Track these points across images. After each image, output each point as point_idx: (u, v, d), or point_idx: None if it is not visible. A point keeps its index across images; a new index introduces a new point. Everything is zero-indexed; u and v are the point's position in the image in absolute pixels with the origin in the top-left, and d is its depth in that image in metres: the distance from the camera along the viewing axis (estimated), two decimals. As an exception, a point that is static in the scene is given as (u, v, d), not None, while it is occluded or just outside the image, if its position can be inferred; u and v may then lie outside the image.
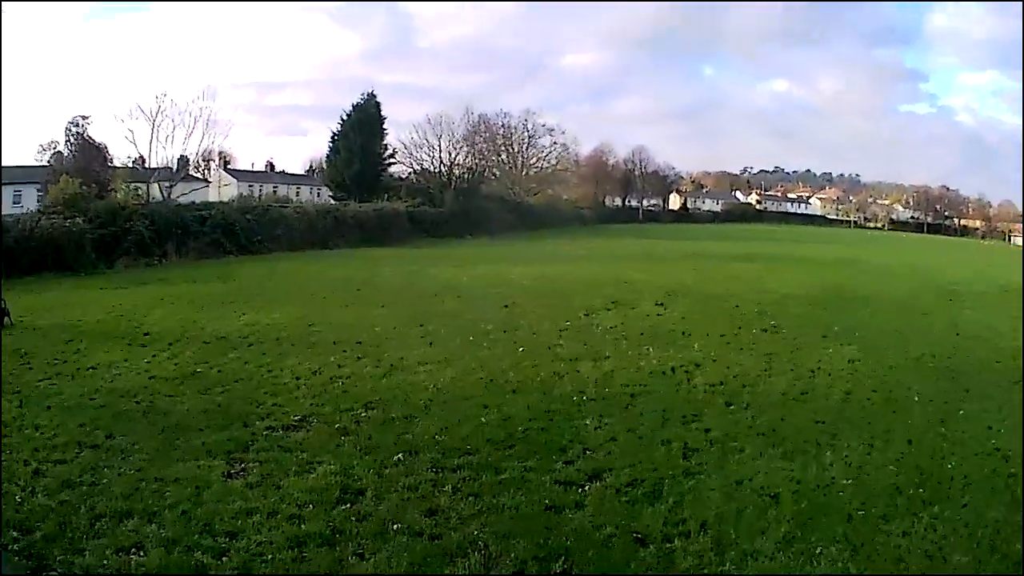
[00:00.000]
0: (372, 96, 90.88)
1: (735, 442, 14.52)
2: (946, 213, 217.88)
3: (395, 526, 10.13)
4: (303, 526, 9.99)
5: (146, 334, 22.16)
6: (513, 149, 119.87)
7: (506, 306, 29.17)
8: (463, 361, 19.93)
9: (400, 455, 12.75)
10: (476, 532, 10.09)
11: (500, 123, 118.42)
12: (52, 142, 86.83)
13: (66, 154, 75.16)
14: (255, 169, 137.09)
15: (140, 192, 60.36)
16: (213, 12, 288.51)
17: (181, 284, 35.19)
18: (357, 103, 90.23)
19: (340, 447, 13.05)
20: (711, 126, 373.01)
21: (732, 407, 16.94)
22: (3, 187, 64.93)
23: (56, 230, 42.32)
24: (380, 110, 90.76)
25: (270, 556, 9.19)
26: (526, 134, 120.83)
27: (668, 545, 10.05)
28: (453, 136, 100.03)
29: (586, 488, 11.82)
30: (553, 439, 13.97)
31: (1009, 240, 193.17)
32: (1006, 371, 22.36)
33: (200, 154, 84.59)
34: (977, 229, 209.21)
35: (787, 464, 13.47)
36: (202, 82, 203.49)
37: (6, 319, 23.46)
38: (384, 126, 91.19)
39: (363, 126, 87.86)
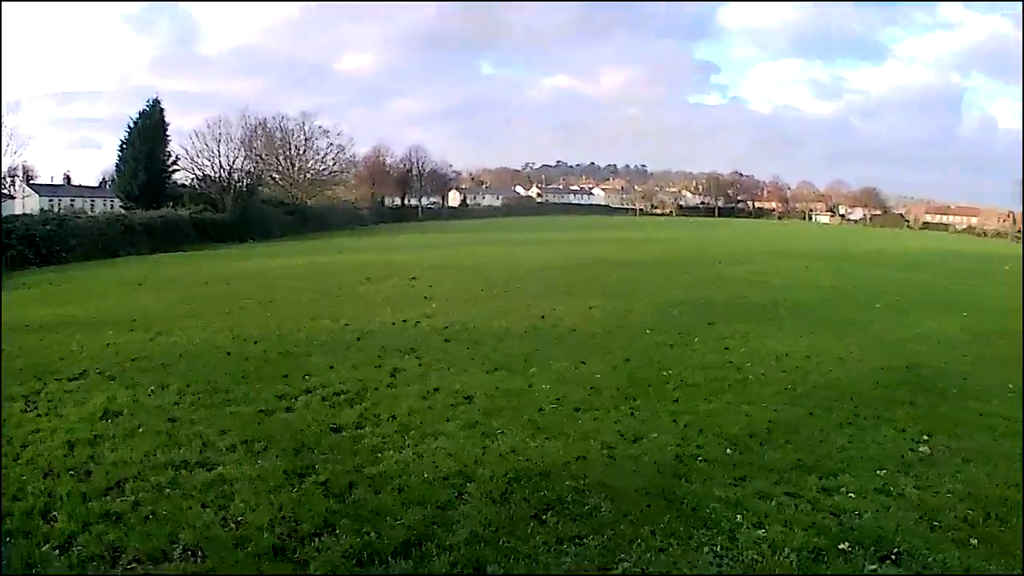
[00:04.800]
0: (156, 103, 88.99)
1: (444, 364, 16.57)
2: (739, 197, 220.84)
3: (140, 429, 11.93)
4: (76, 436, 11.58)
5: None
6: (291, 152, 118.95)
7: (272, 286, 30.68)
8: (217, 326, 21.62)
9: (153, 387, 14.47)
10: (201, 429, 11.91)
11: (278, 126, 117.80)
12: None
13: None
14: (54, 183, 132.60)
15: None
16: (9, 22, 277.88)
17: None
18: (143, 110, 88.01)
19: (108, 387, 14.57)
20: (491, 123, 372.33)
21: (450, 342, 19.10)
22: None
23: None
24: (163, 117, 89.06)
25: (48, 459, 10.65)
26: (303, 137, 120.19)
27: (359, 431, 11.96)
28: (231, 141, 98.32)
29: (298, 399, 13.75)
30: (281, 370, 15.93)
31: (810, 218, 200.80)
32: (763, 303, 26.33)
33: (6, 169, 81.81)
34: (773, 210, 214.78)
35: (490, 377, 15.53)
36: (5, 94, 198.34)
37: None
38: (167, 133, 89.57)
39: (147, 134, 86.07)
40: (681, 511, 9.08)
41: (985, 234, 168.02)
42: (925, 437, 12.45)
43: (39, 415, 12.93)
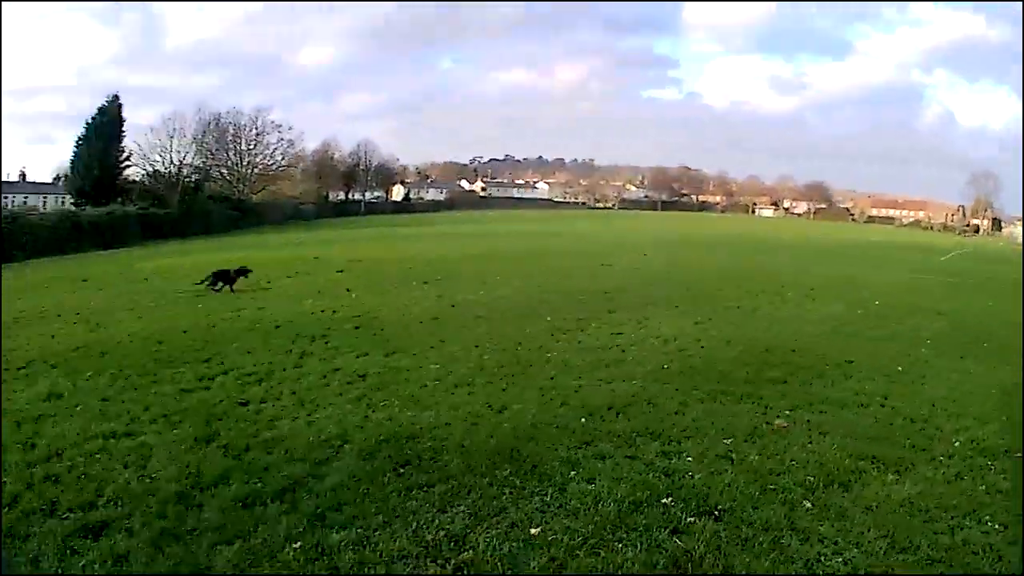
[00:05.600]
0: (115, 99, 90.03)
1: (348, 348, 18.16)
2: (683, 191, 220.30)
3: (79, 408, 13.45)
4: (23, 415, 13.09)
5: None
6: (241, 147, 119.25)
7: (202, 282, 31.42)
8: (151, 317, 23.42)
9: (91, 373, 15.98)
10: (129, 406, 13.49)
11: (231, 121, 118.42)
12: None
13: None
14: (9, 180, 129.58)
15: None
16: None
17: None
18: (101, 106, 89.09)
19: (51, 374, 16.07)
20: (444, 118, 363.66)
21: (359, 329, 20.64)
22: None
23: None
24: (121, 112, 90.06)
25: None
26: (254, 132, 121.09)
27: (262, 405, 13.47)
28: (184, 136, 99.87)
29: (215, 379, 15.32)
30: (203, 356, 17.47)
31: (753, 212, 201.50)
32: (670, 290, 28.80)
33: None
34: (717, 204, 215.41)
35: (386, 359, 17.08)
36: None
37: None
38: (123, 129, 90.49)
39: (104, 130, 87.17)
40: (522, 467, 10.18)
41: (932, 228, 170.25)
42: (787, 412, 13.37)
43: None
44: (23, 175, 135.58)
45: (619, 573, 7.73)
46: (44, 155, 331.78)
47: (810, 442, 11.74)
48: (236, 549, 8.14)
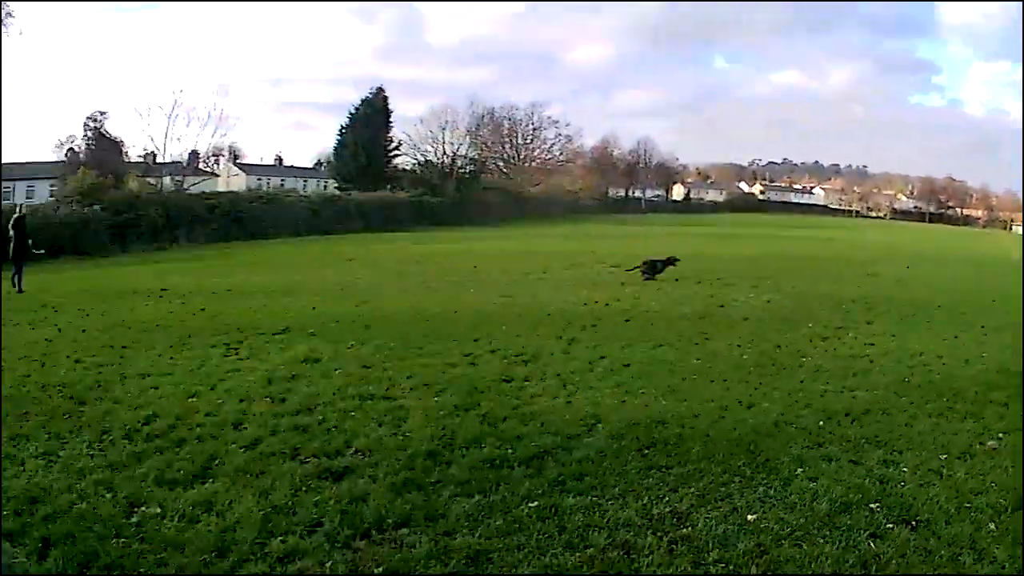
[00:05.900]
0: (380, 90, 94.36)
1: (617, 339, 18.49)
2: (949, 203, 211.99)
3: (336, 371, 14.34)
4: (275, 374, 14.08)
5: (163, 290, 26.35)
6: (517, 141, 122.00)
7: (475, 266, 33.23)
8: (421, 297, 24.51)
9: (353, 342, 16.96)
10: (391, 374, 14.32)
11: (506, 116, 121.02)
12: (70, 136, 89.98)
13: (83, 148, 78.31)
14: (264, 163, 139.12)
15: (153, 183, 63.69)
16: (230, 8, 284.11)
17: (193, 261, 40.02)
18: (365, 97, 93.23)
19: (310, 340, 17.13)
20: (719, 118, 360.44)
21: (630, 321, 21.03)
22: (16, 182, 70.12)
23: (74, 217, 46.58)
24: (387, 104, 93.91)
25: (245, 389, 13.10)
26: (531, 126, 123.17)
27: (525, 383, 14.11)
28: (457, 128, 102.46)
29: (481, 357, 16.02)
30: (472, 335, 18.29)
31: (1010, 228, 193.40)
32: (927, 305, 27.34)
33: (211, 148, 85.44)
34: (979, 218, 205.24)
35: (652, 351, 17.37)
36: (217, 78, 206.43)
37: None
38: (390, 119, 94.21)
39: (370, 119, 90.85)
40: (755, 459, 10.66)
41: None
42: (1000, 435, 13.00)
43: (239, 359, 15.54)
44: (279, 159, 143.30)
45: (810, 566, 8.08)
46: (302, 142, 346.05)
47: (1012, 465, 11.40)
48: (474, 502, 8.78)
